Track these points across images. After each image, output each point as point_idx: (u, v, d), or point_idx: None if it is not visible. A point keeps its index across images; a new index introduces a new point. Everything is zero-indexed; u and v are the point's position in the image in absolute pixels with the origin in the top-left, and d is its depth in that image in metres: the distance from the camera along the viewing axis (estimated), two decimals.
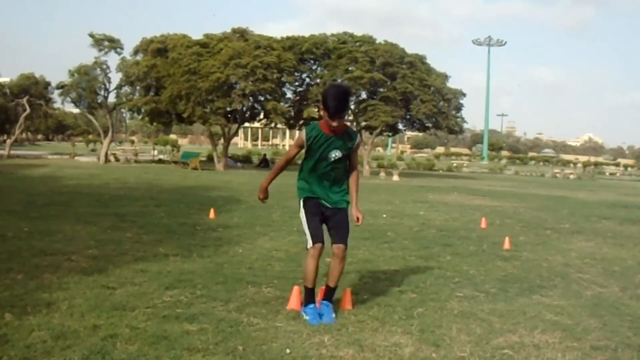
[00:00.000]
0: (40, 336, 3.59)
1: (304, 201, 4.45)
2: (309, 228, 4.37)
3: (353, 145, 4.39)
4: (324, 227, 4.47)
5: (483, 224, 10.26)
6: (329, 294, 4.46)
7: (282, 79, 29.98)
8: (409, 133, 69.03)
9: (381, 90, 31.57)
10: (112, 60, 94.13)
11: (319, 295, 4.50)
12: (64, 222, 8.36)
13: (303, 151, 4.45)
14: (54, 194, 12.58)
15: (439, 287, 5.43)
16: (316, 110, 29.94)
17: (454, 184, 26.25)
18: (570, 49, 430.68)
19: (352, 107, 31.84)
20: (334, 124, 4.18)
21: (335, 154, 4.32)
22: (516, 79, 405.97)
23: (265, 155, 40.60)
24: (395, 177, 28.54)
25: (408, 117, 32.89)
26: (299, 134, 4.46)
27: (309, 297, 4.39)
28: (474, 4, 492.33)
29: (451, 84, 33.77)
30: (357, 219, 4.46)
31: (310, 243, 4.35)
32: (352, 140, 4.38)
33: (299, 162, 4.68)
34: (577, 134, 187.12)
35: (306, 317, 4.26)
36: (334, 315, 4.32)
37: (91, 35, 31.11)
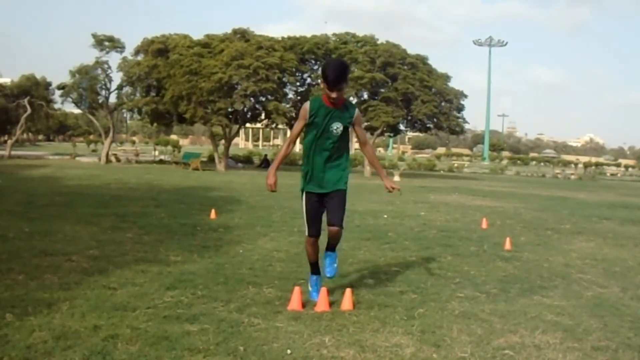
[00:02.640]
0: (41, 336, 3.60)
1: (305, 193, 4.66)
2: (307, 218, 4.68)
3: (352, 116, 4.57)
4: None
5: (484, 225, 10.25)
6: (331, 246, 4.74)
7: (284, 79, 30.00)
8: (410, 133, 68.98)
9: (382, 90, 31.57)
10: (114, 60, 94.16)
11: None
12: (64, 222, 8.36)
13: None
14: (54, 194, 12.58)
15: (439, 287, 5.43)
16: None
17: (455, 184, 26.25)
18: (569, 49, 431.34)
19: None
20: (333, 95, 4.38)
21: (337, 127, 4.51)
22: (516, 80, 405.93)
23: (266, 155, 40.59)
24: (397, 178, 28.53)
25: (409, 117, 32.88)
26: (302, 107, 4.60)
27: (313, 268, 4.86)
28: (472, 4, 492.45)
29: (451, 84, 33.79)
30: (392, 187, 4.75)
31: (306, 232, 4.71)
32: (351, 112, 4.57)
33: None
34: (578, 135, 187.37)
35: (310, 289, 4.77)
36: (335, 265, 4.73)
37: (93, 35, 31.15)
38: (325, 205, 4.65)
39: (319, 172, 4.59)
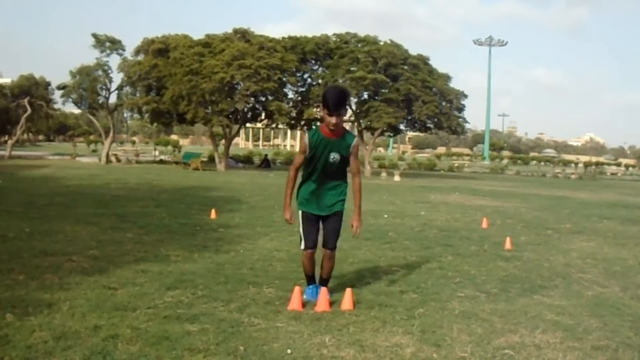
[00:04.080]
0: (42, 337, 3.60)
1: (302, 213, 4.79)
2: (303, 232, 4.79)
3: (350, 146, 4.61)
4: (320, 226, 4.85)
5: (484, 224, 10.26)
6: (323, 282, 4.86)
7: (284, 79, 30.00)
8: (410, 133, 69.00)
9: (383, 91, 31.55)
10: (114, 61, 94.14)
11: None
12: (64, 222, 8.36)
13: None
14: (54, 194, 12.58)
15: (440, 287, 5.43)
16: (316, 110, 29.93)
17: (455, 184, 26.24)
18: (569, 49, 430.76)
19: (354, 107, 31.86)
20: (333, 121, 4.44)
21: (334, 156, 4.58)
22: (516, 80, 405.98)
23: (266, 155, 40.57)
24: (397, 177, 28.53)
25: (410, 117, 32.86)
26: (302, 141, 4.74)
27: (309, 280, 4.95)
28: (471, 4, 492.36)
29: (451, 84, 33.77)
30: (353, 227, 4.78)
31: (302, 246, 4.80)
32: (348, 142, 4.62)
33: None
34: (579, 134, 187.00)
35: (304, 296, 4.74)
36: (316, 298, 4.67)
37: (94, 36, 31.15)
38: (321, 223, 4.79)
39: (316, 195, 4.71)
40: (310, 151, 4.58)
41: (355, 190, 4.82)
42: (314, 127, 4.99)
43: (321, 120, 4.73)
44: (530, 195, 20.31)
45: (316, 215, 4.74)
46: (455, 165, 53.87)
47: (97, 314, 4.07)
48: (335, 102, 4.43)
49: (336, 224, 4.76)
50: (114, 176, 19.97)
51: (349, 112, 31.03)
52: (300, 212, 4.80)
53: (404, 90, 30.64)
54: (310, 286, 4.90)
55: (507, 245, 7.95)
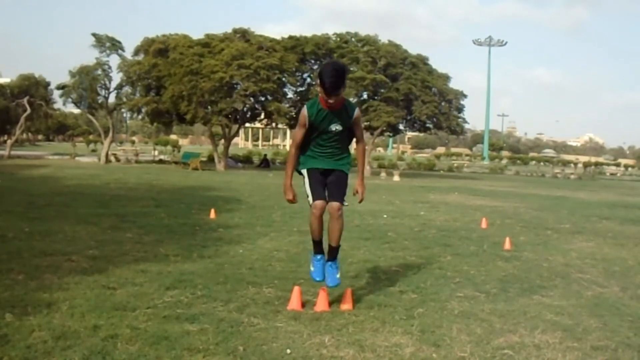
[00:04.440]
0: (41, 336, 3.60)
1: (306, 171, 4.60)
2: (310, 188, 4.55)
3: (352, 118, 4.49)
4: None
5: (484, 224, 10.26)
6: (332, 253, 4.65)
7: (284, 79, 30.00)
8: (409, 133, 69.00)
9: (383, 91, 31.57)
10: (113, 60, 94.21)
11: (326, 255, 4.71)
12: (64, 222, 8.36)
13: None
14: (54, 194, 12.58)
15: (439, 287, 5.43)
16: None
17: (455, 184, 26.25)
18: (568, 50, 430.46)
19: None
20: (330, 100, 4.30)
21: (336, 127, 4.44)
22: (516, 80, 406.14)
23: (265, 155, 40.58)
24: (396, 177, 28.54)
25: (409, 117, 32.89)
26: (301, 113, 4.55)
27: (317, 247, 4.71)
28: (470, 5, 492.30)
29: (451, 84, 33.80)
30: (357, 192, 4.66)
31: (311, 200, 4.53)
32: (350, 113, 4.49)
33: None
34: (578, 134, 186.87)
35: (312, 269, 4.67)
36: (338, 276, 4.61)
37: (94, 35, 31.16)
38: (325, 176, 4.59)
39: (320, 158, 4.58)
40: (310, 123, 4.44)
41: (359, 154, 4.72)
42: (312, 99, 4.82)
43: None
44: (529, 195, 20.32)
45: (321, 170, 4.55)
46: (455, 165, 53.87)
47: (96, 314, 4.07)
48: (332, 83, 4.20)
49: (342, 177, 4.58)
50: (114, 176, 19.97)
51: None
52: (305, 171, 4.60)
53: (403, 90, 30.66)
54: (319, 257, 4.68)
55: (507, 245, 7.95)
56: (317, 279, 4.65)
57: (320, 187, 4.55)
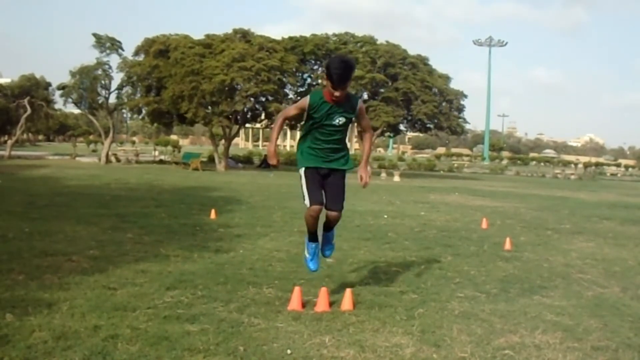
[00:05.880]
0: (41, 337, 3.60)
1: (304, 170, 4.55)
2: (307, 190, 4.50)
3: (355, 110, 4.47)
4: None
5: (484, 225, 10.25)
6: (328, 230, 4.72)
7: (284, 80, 30.02)
8: (410, 134, 68.97)
9: (382, 90, 31.59)
10: (114, 61, 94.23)
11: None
12: (64, 222, 8.36)
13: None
14: (54, 194, 12.58)
15: (439, 287, 5.43)
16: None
17: (455, 184, 26.25)
18: (568, 50, 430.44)
19: None
20: (337, 93, 4.27)
21: (340, 120, 4.41)
22: (516, 80, 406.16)
23: (266, 155, 40.48)
24: (396, 178, 28.54)
25: (409, 117, 32.90)
26: (302, 99, 4.52)
27: (312, 236, 4.68)
28: (470, 5, 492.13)
29: (451, 84, 33.82)
30: (362, 178, 4.60)
31: (307, 203, 4.49)
32: (353, 106, 4.46)
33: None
34: (578, 135, 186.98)
35: (307, 255, 4.68)
36: (333, 242, 4.77)
37: (95, 35, 31.17)
38: (323, 178, 4.55)
39: (319, 153, 4.51)
40: (308, 112, 4.39)
41: (366, 141, 4.70)
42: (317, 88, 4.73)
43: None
44: (529, 195, 20.32)
45: (318, 169, 4.50)
46: (455, 165, 53.92)
47: (96, 314, 4.07)
48: (340, 76, 4.20)
49: (340, 181, 4.55)
50: (114, 176, 19.97)
51: None
52: (302, 171, 4.54)
53: (403, 89, 30.68)
54: (313, 244, 4.68)
55: (507, 245, 7.95)
56: (313, 268, 4.67)
57: (317, 189, 4.50)
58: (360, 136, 4.86)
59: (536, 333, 4.16)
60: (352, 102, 4.47)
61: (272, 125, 4.68)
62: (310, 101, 4.40)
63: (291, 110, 4.60)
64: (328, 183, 4.55)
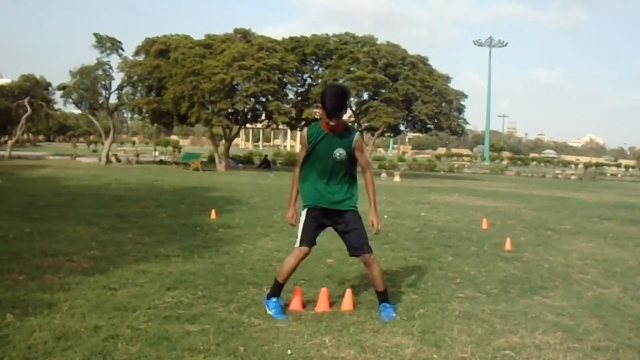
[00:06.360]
0: (42, 337, 3.60)
1: (307, 210, 4.46)
2: (302, 230, 4.44)
3: (352, 141, 4.37)
4: (321, 231, 4.53)
5: (484, 225, 10.25)
6: (382, 296, 4.51)
7: (284, 79, 30.03)
8: (410, 134, 68.98)
9: (383, 91, 31.58)
10: (114, 61, 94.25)
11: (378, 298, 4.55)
12: (65, 223, 8.36)
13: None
14: (55, 194, 12.58)
15: (440, 288, 5.43)
16: (316, 111, 30.01)
17: (455, 184, 26.24)
18: (568, 50, 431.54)
19: (354, 107, 31.90)
20: (331, 123, 4.25)
21: (340, 152, 4.34)
22: (516, 80, 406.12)
23: (266, 156, 40.58)
24: (397, 178, 28.54)
25: (410, 118, 32.90)
26: (301, 134, 4.53)
27: (276, 290, 4.46)
28: (469, 5, 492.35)
29: (451, 85, 33.81)
30: (373, 224, 4.50)
31: (297, 243, 4.43)
32: (350, 137, 4.37)
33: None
34: (579, 135, 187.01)
35: (270, 312, 4.33)
36: (394, 315, 4.39)
37: (95, 35, 31.18)
38: (325, 225, 4.47)
39: (322, 192, 4.42)
40: (310, 144, 4.37)
41: (367, 184, 4.52)
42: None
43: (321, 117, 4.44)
44: (530, 195, 20.32)
45: (323, 211, 4.40)
46: (455, 166, 53.93)
47: (97, 314, 4.07)
48: (334, 105, 4.18)
49: (357, 225, 4.43)
50: (114, 176, 19.98)
51: (349, 111, 31.07)
52: (304, 210, 4.45)
53: (403, 90, 30.67)
54: (274, 299, 4.39)
55: (507, 245, 7.95)
56: (280, 317, 4.27)
57: (313, 231, 4.42)
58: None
59: (536, 333, 4.16)
60: (349, 133, 4.39)
61: (292, 181, 4.59)
62: (308, 132, 4.41)
63: (300, 155, 4.58)
64: (344, 229, 4.45)
